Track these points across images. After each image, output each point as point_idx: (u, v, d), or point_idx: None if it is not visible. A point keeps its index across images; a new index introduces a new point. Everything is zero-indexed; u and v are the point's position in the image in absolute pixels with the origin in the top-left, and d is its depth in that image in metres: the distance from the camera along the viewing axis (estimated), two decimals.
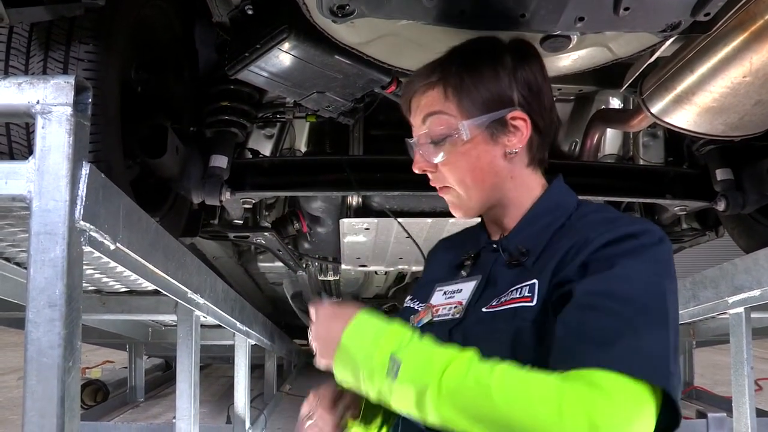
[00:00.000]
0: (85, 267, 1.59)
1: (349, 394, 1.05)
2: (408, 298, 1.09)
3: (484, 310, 0.91)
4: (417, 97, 0.98)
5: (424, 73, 0.99)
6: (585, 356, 0.74)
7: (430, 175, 0.99)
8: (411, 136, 1.01)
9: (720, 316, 2.46)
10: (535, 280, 0.88)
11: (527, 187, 0.98)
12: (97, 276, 1.71)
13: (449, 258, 1.08)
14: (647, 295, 0.80)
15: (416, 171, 1.00)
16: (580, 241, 0.86)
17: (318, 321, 0.90)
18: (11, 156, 1.34)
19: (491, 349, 0.81)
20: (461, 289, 0.98)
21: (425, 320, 1.00)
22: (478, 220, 1.06)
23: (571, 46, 1.30)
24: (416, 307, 1.04)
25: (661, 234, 0.88)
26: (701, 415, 3.14)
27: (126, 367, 3.81)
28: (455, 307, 0.96)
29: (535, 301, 0.86)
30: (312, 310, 0.92)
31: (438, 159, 0.95)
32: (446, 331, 0.94)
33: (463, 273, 1.01)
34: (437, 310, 0.99)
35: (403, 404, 0.80)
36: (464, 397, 0.76)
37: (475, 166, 0.95)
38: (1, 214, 1.19)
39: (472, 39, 1.02)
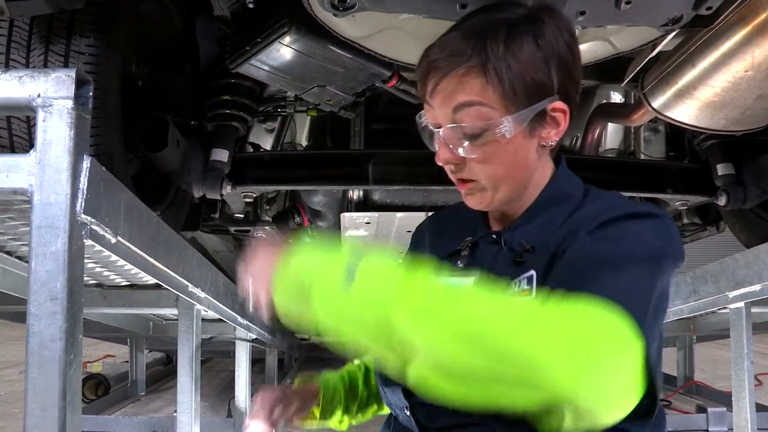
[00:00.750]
0: (86, 261, 1.60)
1: (295, 396, 1.06)
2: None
3: None
4: (447, 80, 0.82)
5: (457, 49, 0.82)
6: (567, 293, 0.71)
7: (452, 167, 0.88)
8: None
9: (720, 311, 2.47)
10: (532, 271, 0.84)
11: (542, 173, 0.90)
12: (98, 270, 1.72)
13: (444, 241, 1.00)
14: (638, 252, 0.78)
15: (439, 163, 0.89)
16: (579, 222, 0.84)
17: (255, 254, 0.80)
18: (12, 149, 1.34)
19: None
20: (464, 283, 0.91)
21: None
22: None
23: None
24: None
25: (666, 214, 0.86)
26: (701, 409, 3.15)
27: (127, 362, 3.82)
28: None
29: (534, 294, 0.82)
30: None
31: (473, 155, 0.84)
32: None
33: (460, 264, 0.94)
34: None
35: (362, 312, 0.70)
36: (432, 299, 0.69)
37: (510, 162, 0.86)
38: (2, 207, 1.19)
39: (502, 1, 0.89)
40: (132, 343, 3.68)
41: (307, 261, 0.74)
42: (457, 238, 0.97)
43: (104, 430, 2.87)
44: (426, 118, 0.90)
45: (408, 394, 0.90)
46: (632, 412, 0.71)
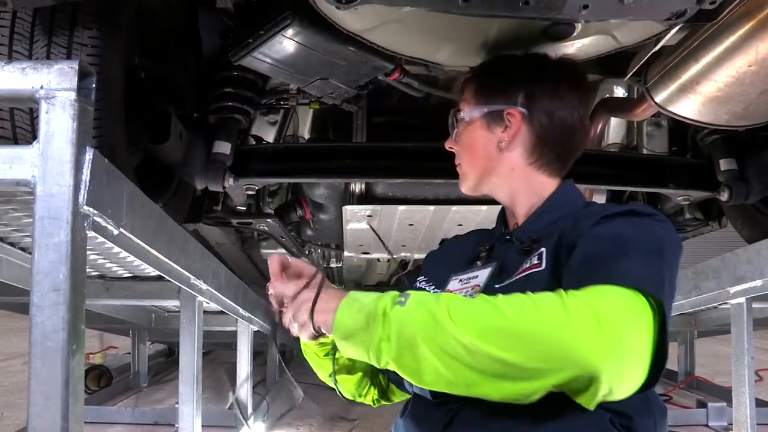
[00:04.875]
0: (88, 252, 1.61)
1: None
2: (421, 278, 1.17)
3: (496, 285, 0.98)
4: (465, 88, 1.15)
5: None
6: (583, 281, 0.81)
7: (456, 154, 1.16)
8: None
9: (721, 306, 2.47)
10: (543, 249, 0.96)
11: (534, 183, 1.08)
12: (100, 261, 1.72)
13: (465, 250, 1.16)
14: (644, 239, 0.88)
15: (446, 147, 1.17)
16: (583, 217, 0.96)
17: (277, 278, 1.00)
18: (15, 141, 1.34)
19: None
20: (477, 275, 1.05)
21: None
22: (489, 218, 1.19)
23: (575, 34, 1.30)
24: (431, 291, 1.10)
25: (665, 218, 0.96)
26: (701, 404, 3.15)
27: (129, 353, 3.83)
28: (472, 288, 1.03)
29: (544, 265, 0.94)
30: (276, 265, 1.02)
31: (452, 136, 1.15)
32: None
33: (479, 263, 1.09)
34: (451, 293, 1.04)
35: (413, 327, 0.81)
36: (474, 312, 0.80)
37: (472, 147, 1.11)
38: (5, 198, 1.19)
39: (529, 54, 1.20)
40: (134, 335, 3.70)
41: (362, 296, 0.88)
42: (475, 249, 1.14)
43: (106, 421, 2.88)
44: None
45: None
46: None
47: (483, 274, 1.04)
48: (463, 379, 0.79)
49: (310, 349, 1.13)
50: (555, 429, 0.86)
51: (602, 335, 0.75)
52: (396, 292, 0.85)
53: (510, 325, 0.77)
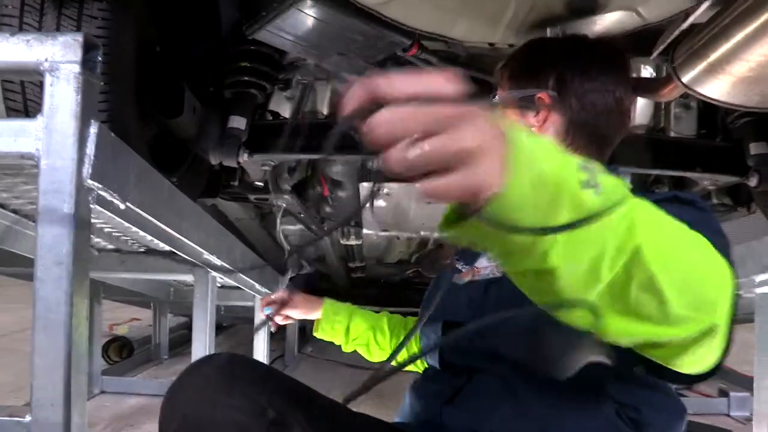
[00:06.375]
0: (102, 226, 1.62)
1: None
2: (456, 257, 1.18)
3: None
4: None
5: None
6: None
7: None
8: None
9: (747, 294, 2.40)
10: None
11: None
12: (115, 235, 1.73)
13: None
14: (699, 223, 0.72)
15: None
16: None
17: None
18: (26, 113, 1.34)
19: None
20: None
21: (467, 279, 1.08)
22: None
23: (598, 9, 1.25)
24: (460, 268, 1.11)
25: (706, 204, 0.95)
26: (723, 393, 3.09)
27: (151, 325, 3.89)
28: (497, 266, 1.02)
29: None
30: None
31: None
32: (483, 287, 1.02)
33: None
34: (479, 271, 1.07)
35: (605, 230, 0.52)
36: (662, 224, 0.59)
37: None
38: (14, 171, 1.20)
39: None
40: (155, 308, 3.74)
41: (532, 143, 0.49)
42: None
43: (127, 391, 2.94)
44: None
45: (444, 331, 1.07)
46: None
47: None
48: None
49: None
50: (562, 412, 0.85)
51: (727, 294, 0.64)
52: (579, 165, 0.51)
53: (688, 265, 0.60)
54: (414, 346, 1.31)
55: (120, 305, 4.22)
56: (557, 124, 1.03)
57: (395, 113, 0.44)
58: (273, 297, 1.46)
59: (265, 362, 2.93)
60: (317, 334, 1.45)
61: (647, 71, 2.06)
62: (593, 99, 1.03)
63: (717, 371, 0.72)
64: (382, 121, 0.45)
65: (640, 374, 0.82)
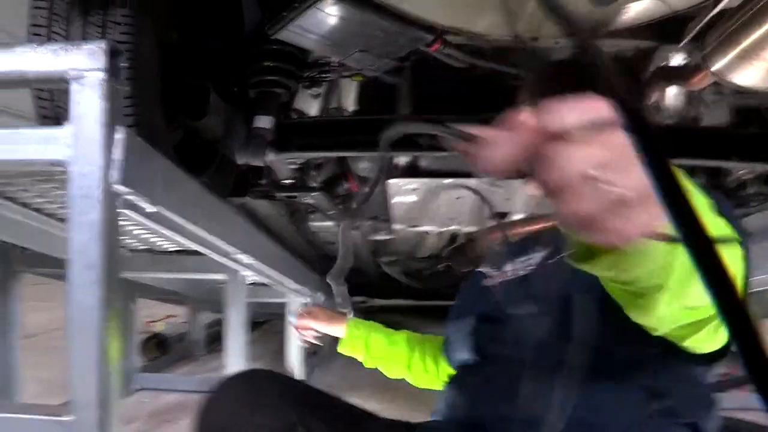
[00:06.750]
0: (132, 227, 1.65)
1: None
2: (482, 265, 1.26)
3: (549, 261, 1.03)
4: None
5: None
6: None
7: None
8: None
9: None
10: None
11: None
12: (145, 236, 1.76)
13: (525, 243, 1.20)
14: None
15: None
16: None
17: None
18: (56, 121, 1.37)
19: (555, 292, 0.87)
20: (531, 258, 1.10)
21: (497, 282, 1.13)
22: None
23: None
24: (487, 272, 1.17)
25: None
26: None
27: (186, 322, 3.95)
28: (526, 268, 1.08)
29: None
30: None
31: None
32: (514, 283, 1.08)
33: (535, 248, 1.14)
34: (506, 274, 1.12)
35: None
36: None
37: None
38: (45, 177, 1.23)
39: None
40: (191, 305, 3.80)
41: None
42: (533, 241, 1.19)
43: (163, 388, 2.99)
44: None
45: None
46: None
47: (537, 257, 1.08)
48: None
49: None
50: (595, 398, 0.85)
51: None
52: None
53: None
54: (439, 364, 1.35)
55: (156, 302, 4.30)
56: None
57: (575, 152, 0.41)
58: (301, 310, 1.57)
59: (299, 358, 2.96)
60: (340, 349, 1.51)
61: (678, 59, 2.01)
62: None
63: (728, 350, 0.76)
64: (563, 161, 0.41)
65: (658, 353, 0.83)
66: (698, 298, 0.61)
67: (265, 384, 0.93)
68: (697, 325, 0.69)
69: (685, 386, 0.90)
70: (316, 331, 1.52)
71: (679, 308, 0.64)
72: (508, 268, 1.14)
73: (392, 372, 1.44)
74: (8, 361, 1.92)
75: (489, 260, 1.24)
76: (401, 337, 1.45)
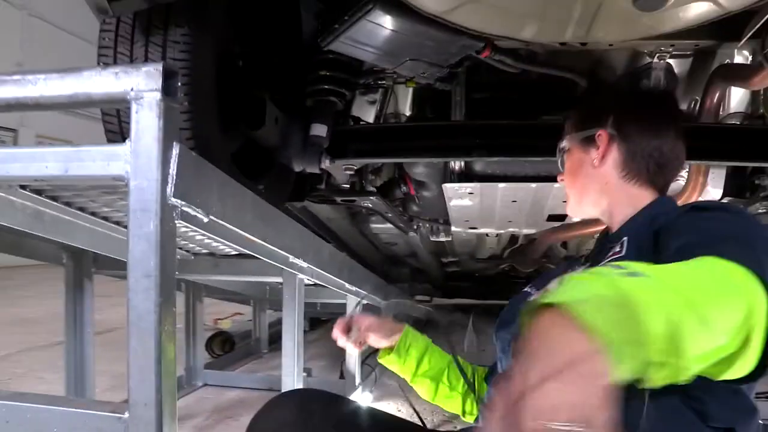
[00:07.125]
0: (194, 233, 1.73)
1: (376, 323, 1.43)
2: (528, 285, 1.30)
3: None
4: None
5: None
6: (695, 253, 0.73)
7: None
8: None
9: None
10: (625, 237, 1.02)
11: (629, 196, 1.14)
12: (206, 241, 1.85)
13: (570, 266, 1.26)
14: (730, 227, 0.84)
15: (558, 181, 1.29)
16: (671, 216, 0.96)
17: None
18: (123, 136, 1.46)
19: None
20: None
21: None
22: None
23: (669, 3, 1.20)
24: (532, 292, 1.22)
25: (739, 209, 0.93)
26: None
27: (251, 320, 4.08)
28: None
29: (624, 252, 0.98)
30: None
31: (561, 169, 1.26)
32: None
33: (576, 267, 1.20)
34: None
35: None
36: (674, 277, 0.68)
37: (573, 170, 1.22)
38: (110, 190, 1.31)
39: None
40: (254, 304, 3.93)
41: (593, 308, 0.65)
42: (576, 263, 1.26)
43: (226, 385, 3.11)
44: None
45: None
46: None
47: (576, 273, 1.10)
48: None
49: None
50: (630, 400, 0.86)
51: (744, 305, 0.67)
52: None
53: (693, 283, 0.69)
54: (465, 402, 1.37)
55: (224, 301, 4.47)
56: (615, 155, 1.15)
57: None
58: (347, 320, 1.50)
59: (357, 359, 3.01)
60: (381, 360, 1.43)
61: (741, 58, 1.94)
62: (647, 135, 1.14)
63: (764, 370, 0.72)
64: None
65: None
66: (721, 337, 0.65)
67: (314, 405, 0.98)
68: (729, 360, 0.68)
69: (723, 393, 0.89)
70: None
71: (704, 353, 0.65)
72: (551, 285, 1.14)
73: (439, 396, 1.39)
74: (83, 357, 2.05)
75: (536, 282, 1.27)
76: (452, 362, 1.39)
